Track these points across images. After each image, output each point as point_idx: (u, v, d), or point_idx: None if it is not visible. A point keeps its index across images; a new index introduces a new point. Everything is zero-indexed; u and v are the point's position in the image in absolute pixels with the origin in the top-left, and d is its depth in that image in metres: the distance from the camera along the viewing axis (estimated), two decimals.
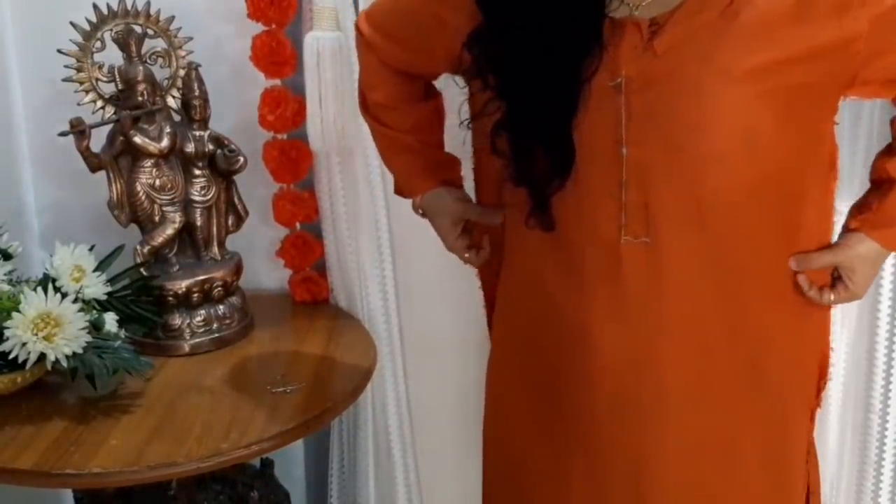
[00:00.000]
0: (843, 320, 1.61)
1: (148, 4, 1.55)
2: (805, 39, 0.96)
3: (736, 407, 1.09)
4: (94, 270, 1.42)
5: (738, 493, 1.12)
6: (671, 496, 1.10)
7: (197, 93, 1.54)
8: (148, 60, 1.55)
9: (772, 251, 1.06)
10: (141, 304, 1.49)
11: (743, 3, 0.96)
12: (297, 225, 1.75)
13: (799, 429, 1.16)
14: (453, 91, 1.23)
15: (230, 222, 1.64)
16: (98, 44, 1.53)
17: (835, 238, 1.13)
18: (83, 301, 1.38)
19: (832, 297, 1.11)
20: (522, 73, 1.01)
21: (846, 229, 1.12)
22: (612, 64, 1.00)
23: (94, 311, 1.38)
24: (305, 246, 1.74)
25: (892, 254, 1.22)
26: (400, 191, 1.34)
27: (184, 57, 1.59)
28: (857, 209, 1.12)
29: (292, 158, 1.68)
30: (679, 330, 1.05)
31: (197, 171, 1.58)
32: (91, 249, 1.44)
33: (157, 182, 1.53)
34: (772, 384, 1.10)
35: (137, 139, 1.50)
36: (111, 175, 1.52)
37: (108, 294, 1.44)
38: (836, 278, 1.11)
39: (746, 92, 0.97)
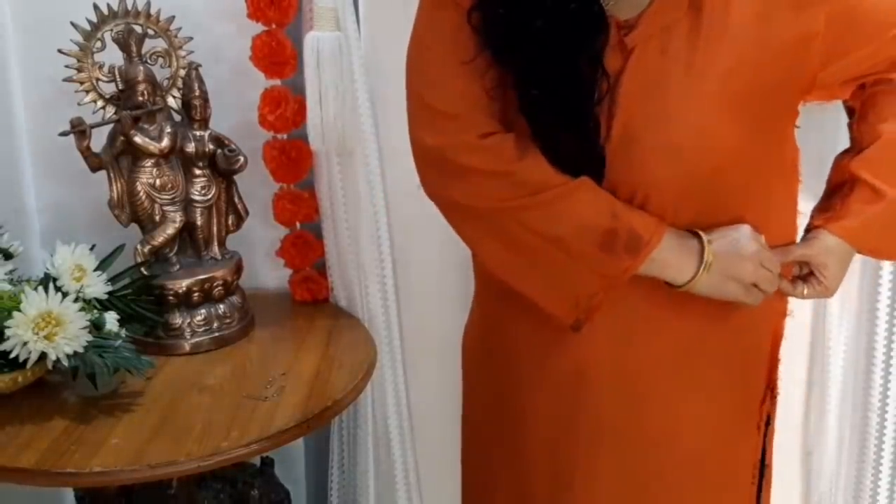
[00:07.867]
0: (841, 319, 1.62)
1: (148, 4, 1.55)
2: (769, 38, 0.97)
3: (672, 405, 1.09)
4: (95, 270, 1.42)
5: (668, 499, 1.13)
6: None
7: (197, 93, 1.54)
8: (148, 60, 1.55)
9: None
10: (141, 303, 1.49)
11: (712, 1, 0.97)
12: (298, 224, 1.75)
13: (743, 442, 1.15)
14: None
15: (230, 222, 1.64)
16: (98, 44, 1.53)
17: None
18: (84, 300, 1.38)
19: (805, 290, 1.12)
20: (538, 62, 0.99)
21: (809, 228, 1.12)
22: None
23: (95, 311, 1.38)
24: (305, 245, 1.74)
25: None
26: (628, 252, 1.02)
27: (184, 57, 1.59)
28: (819, 210, 1.13)
29: (292, 158, 1.68)
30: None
31: (197, 171, 1.58)
32: (92, 249, 1.44)
33: (158, 182, 1.53)
34: (706, 385, 1.10)
35: (138, 139, 1.50)
36: (112, 175, 1.53)
37: (109, 293, 1.44)
38: (808, 274, 1.12)
39: (706, 89, 0.97)
